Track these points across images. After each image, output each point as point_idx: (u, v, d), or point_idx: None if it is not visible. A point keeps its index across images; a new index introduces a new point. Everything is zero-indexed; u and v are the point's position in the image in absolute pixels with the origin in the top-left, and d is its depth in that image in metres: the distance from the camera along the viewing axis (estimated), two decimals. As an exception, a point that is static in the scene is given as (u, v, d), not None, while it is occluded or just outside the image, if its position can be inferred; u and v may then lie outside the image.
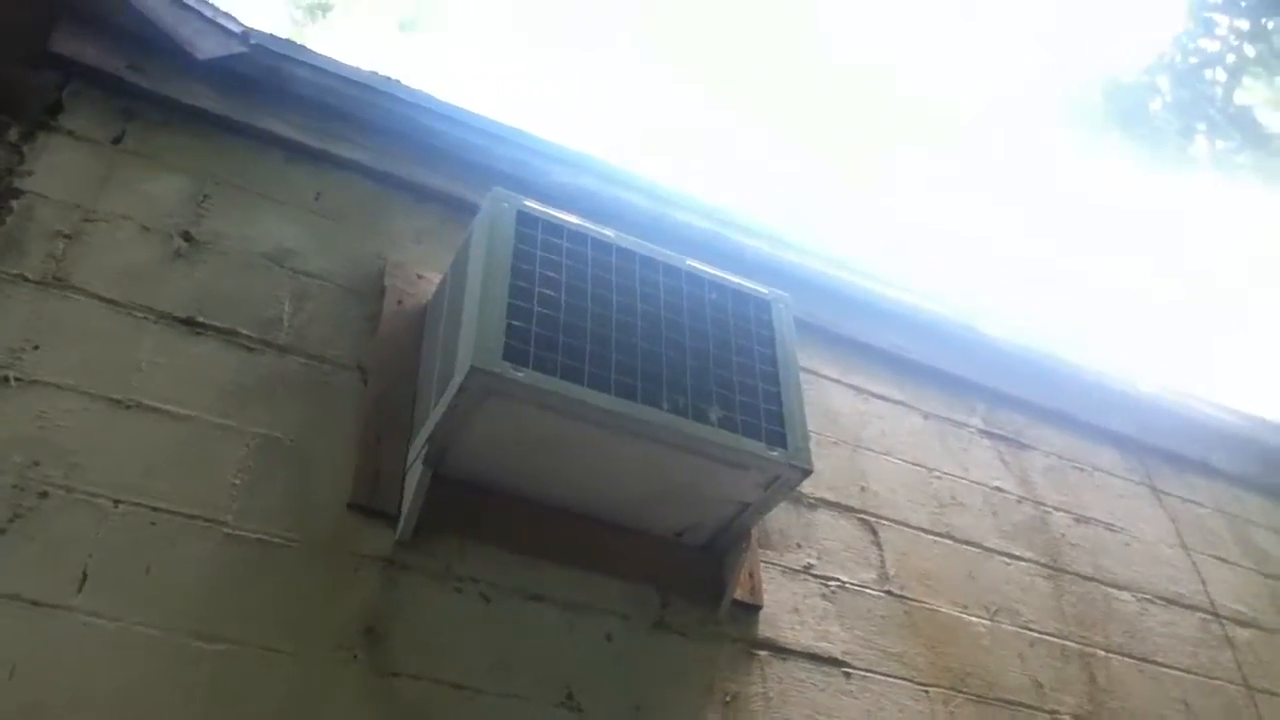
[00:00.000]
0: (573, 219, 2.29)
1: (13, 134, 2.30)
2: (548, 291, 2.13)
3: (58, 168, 2.30)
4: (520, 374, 2.00)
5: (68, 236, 2.21)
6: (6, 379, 1.97)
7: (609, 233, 2.31)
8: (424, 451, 2.10)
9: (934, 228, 3.16)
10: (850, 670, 2.41)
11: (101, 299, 2.16)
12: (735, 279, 2.41)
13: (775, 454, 2.18)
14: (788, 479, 2.21)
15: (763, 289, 2.43)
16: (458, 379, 2.01)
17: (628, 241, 2.32)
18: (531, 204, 2.26)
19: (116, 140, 2.42)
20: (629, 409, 2.07)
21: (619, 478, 2.22)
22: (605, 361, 2.10)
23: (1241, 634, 3.13)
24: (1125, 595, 2.99)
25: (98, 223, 2.26)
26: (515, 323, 2.05)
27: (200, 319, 2.23)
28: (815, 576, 2.54)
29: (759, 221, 3.14)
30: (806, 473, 2.20)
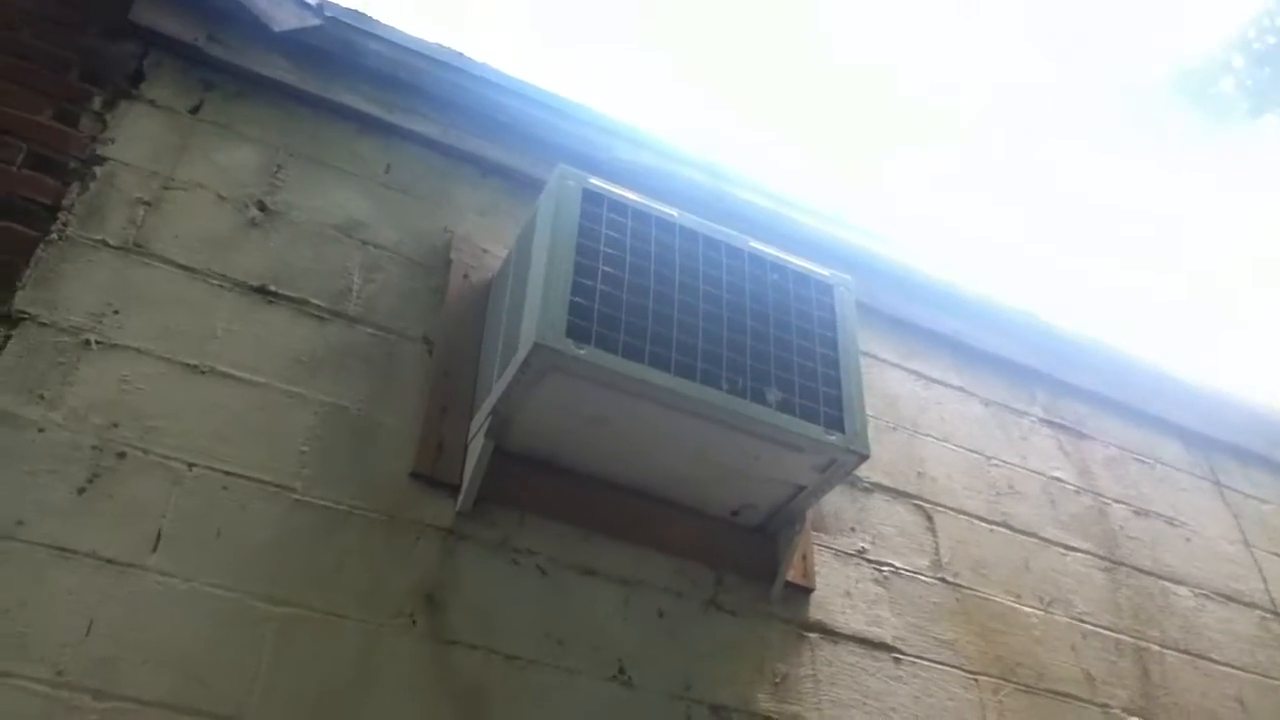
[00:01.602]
0: (637, 198, 2.30)
1: (96, 103, 2.36)
2: (611, 270, 2.15)
3: (138, 136, 2.36)
4: (583, 351, 2.02)
5: (147, 204, 2.27)
6: (88, 342, 2.03)
7: (673, 212, 2.32)
8: (486, 424, 2.14)
9: (934, 226, 3.14)
10: (900, 656, 2.42)
11: (179, 266, 2.22)
12: (797, 261, 2.41)
13: (832, 438, 2.19)
14: (844, 463, 2.22)
15: (825, 271, 2.43)
16: (521, 354, 2.04)
17: (691, 221, 2.33)
18: (597, 182, 2.28)
19: (195, 110, 2.47)
20: (688, 388, 2.08)
21: (676, 456, 2.24)
22: (666, 341, 2.11)
23: (1301, 634, 3.08)
24: (1183, 590, 2.96)
25: (176, 191, 2.32)
26: (579, 300, 2.08)
27: (273, 288, 2.28)
28: (869, 561, 2.55)
29: (821, 203, 3.13)
30: (863, 457, 2.20)
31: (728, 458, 2.23)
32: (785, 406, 2.17)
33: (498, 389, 2.13)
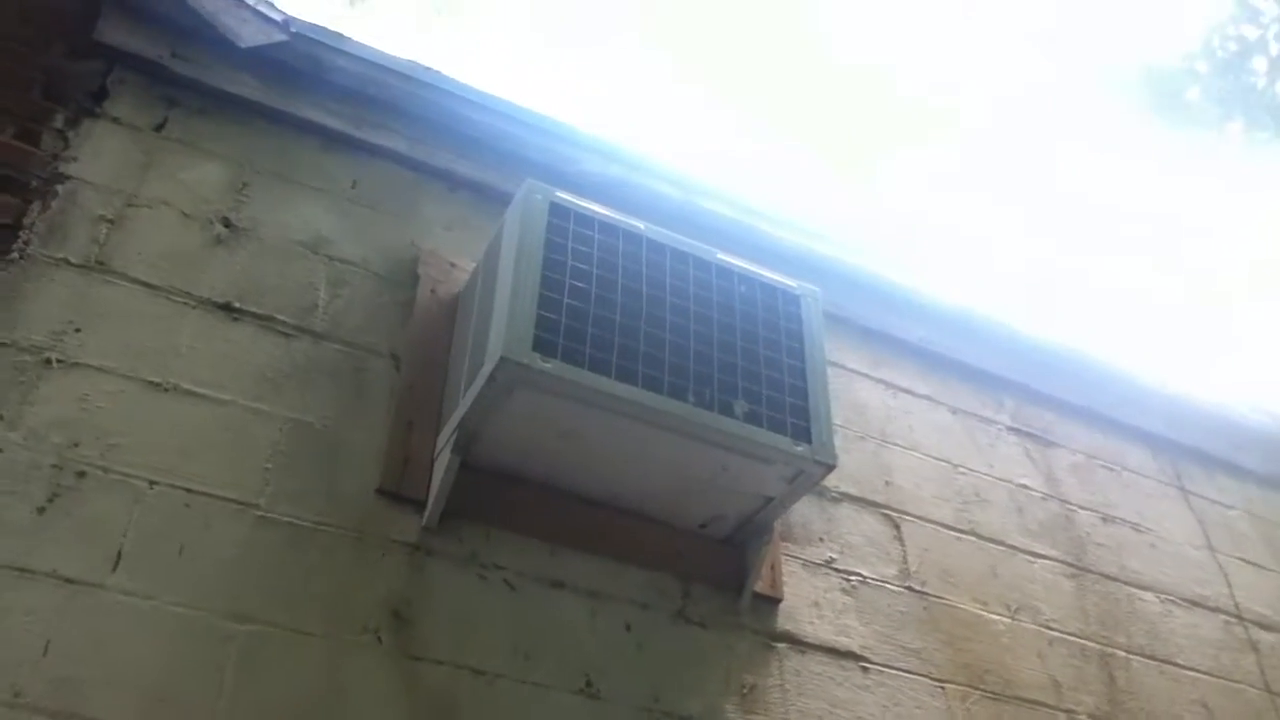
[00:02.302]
0: (604, 211, 2.31)
1: (59, 121, 2.35)
2: (578, 283, 2.16)
3: (102, 154, 2.35)
4: (549, 365, 2.03)
5: (110, 221, 2.26)
6: (49, 360, 2.02)
7: (640, 225, 2.33)
8: (453, 439, 2.14)
9: (935, 226, 3.17)
10: (868, 665, 2.44)
11: (142, 283, 2.21)
12: (765, 272, 2.42)
13: (800, 449, 2.20)
14: (811, 474, 2.23)
15: (792, 283, 2.44)
16: (487, 368, 2.04)
17: (658, 234, 2.34)
18: (564, 195, 2.29)
19: (159, 127, 2.46)
20: (655, 401, 2.09)
21: (644, 469, 2.25)
22: (633, 354, 2.12)
23: (1266, 637, 3.12)
24: (1149, 596, 2.99)
25: (140, 208, 2.31)
26: (545, 314, 2.08)
27: (238, 305, 2.27)
28: (836, 571, 2.56)
29: (789, 214, 3.15)
30: (830, 468, 2.22)
31: (696, 470, 2.23)
32: (753, 418, 2.18)
33: (464, 403, 2.14)
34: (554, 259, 2.17)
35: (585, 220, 2.27)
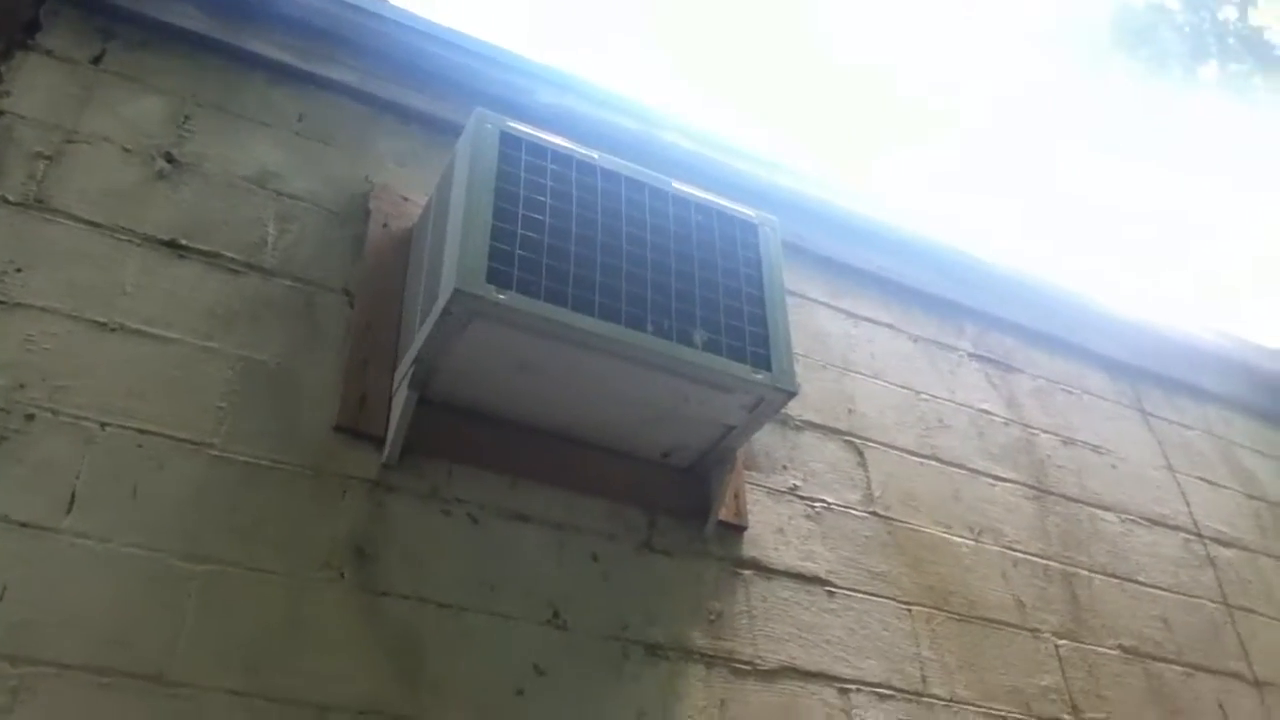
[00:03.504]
0: (557, 140, 2.27)
1: (-11, 54, 2.27)
2: (532, 214, 2.12)
3: (36, 88, 2.27)
4: (503, 297, 2.00)
5: (48, 158, 2.19)
6: (-10, 302, 1.96)
7: (594, 154, 2.29)
8: (409, 374, 2.11)
9: (935, 224, 3.17)
10: (834, 589, 2.45)
11: (84, 221, 2.14)
12: (722, 201, 2.39)
13: (759, 376, 2.18)
14: (772, 401, 2.22)
15: (750, 212, 2.42)
16: (441, 301, 2.00)
17: (613, 163, 2.30)
18: (515, 125, 2.24)
19: (96, 60, 2.38)
20: (612, 331, 2.07)
21: (605, 400, 2.23)
22: (589, 284, 2.09)
23: (1224, 554, 3.17)
24: (1109, 516, 3.03)
25: (79, 144, 2.24)
26: (499, 245, 2.04)
27: (184, 241, 2.22)
28: (800, 498, 2.56)
29: (749, 144, 3.11)
30: (790, 395, 2.21)
31: (656, 400, 2.22)
32: (712, 347, 2.17)
33: (419, 338, 2.10)
34: (506, 189, 2.13)
35: (538, 150, 2.23)
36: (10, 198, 2.10)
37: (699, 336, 2.16)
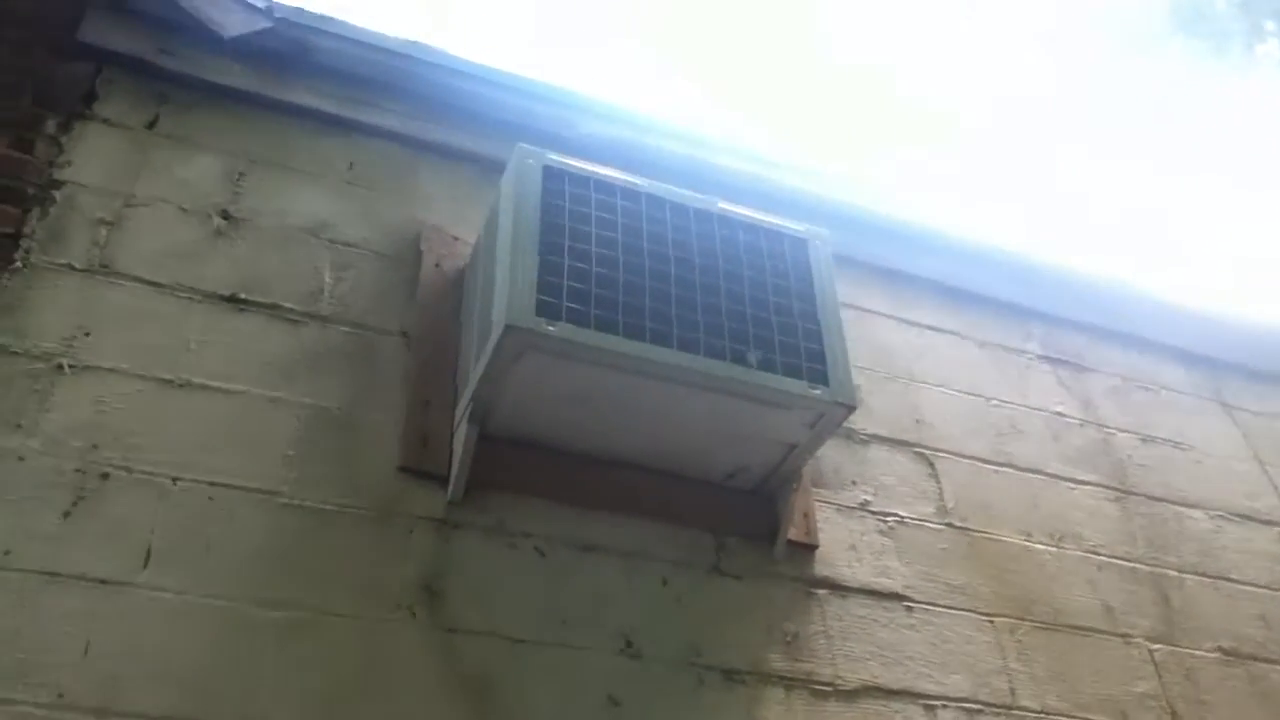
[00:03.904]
0: (599, 169, 2.28)
1: (50, 126, 2.34)
2: (578, 244, 2.13)
3: (95, 155, 2.34)
4: (554, 328, 2.00)
5: (109, 223, 2.25)
6: (61, 366, 2.02)
7: (637, 180, 2.30)
8: (468, 411, 2.12)
9: (993, 228, 3.14)
10: (912, 604, 2.40)
11: (147, 282, 2.20)
12: (769, 218, 2.38)
13: (817, 392, 2.16)
14: (832, 416, 2.19)
15: (798, 227, 2.40)
16: (494, 338, 2.02)
17: (657, 188, 2.30)
18: (557, 157, 2.25)
19: (151, 124, 2.45)
20: (664, 356, 2.06)
21: (664, 426, 2.22)
22: (639, 310, 2.09)
23: (1322, 546, 3.05)
24: (1197, 514, 2.93)
25: (137, 207, 2.30)
26: (547, 278, 2.05)
27: (243, 295, 2.26)
28: (872, 513, 2.52)
29: (798, 160, 3.10)
30: (850, 409, 2.18)
31: (715, 422, 2.20)
32: (767, 365, 2.15)
33: (475, 375, 2.12)
34: (552, 221, 2.14)
35: (581, 180, 2.24)
36: (76, 264, 2.16)
37: (753, 356, 2.15)
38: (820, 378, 2.18)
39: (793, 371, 2.16)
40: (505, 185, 2.24)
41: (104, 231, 2.24)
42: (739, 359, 2.13)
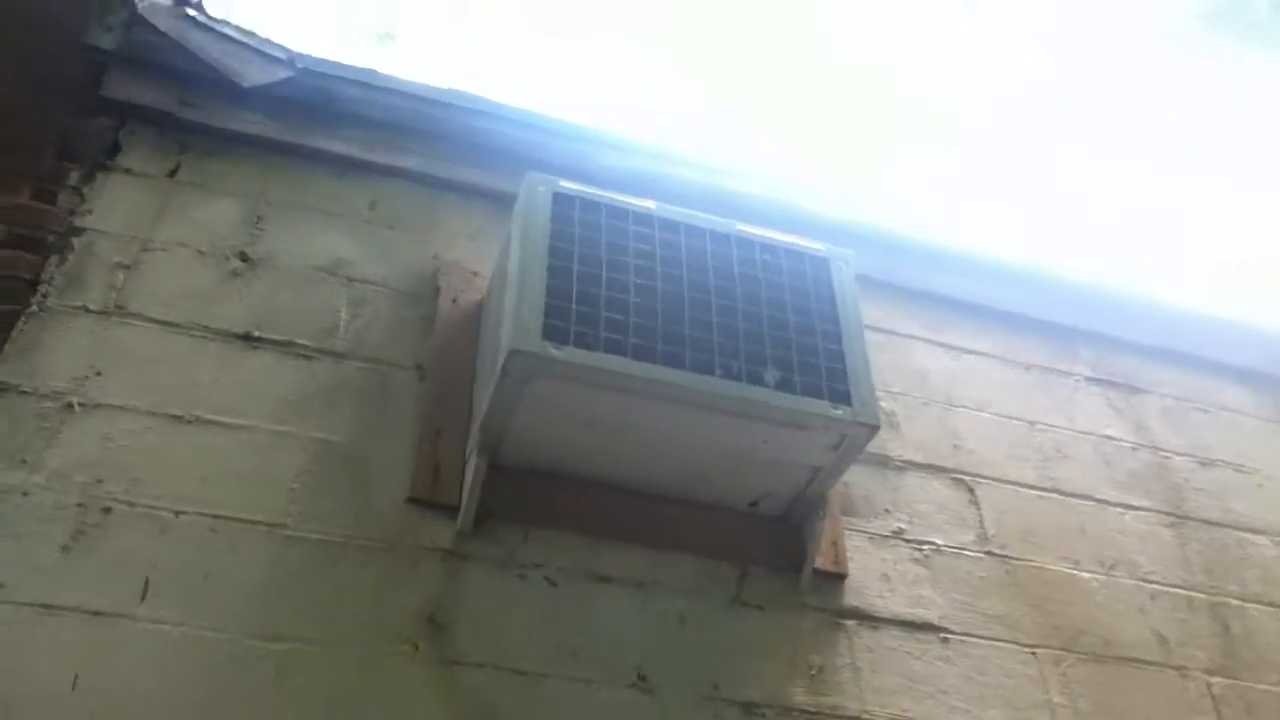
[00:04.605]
0: (610, 195, 2.25)
1: (73, 178, 2.38)
2: (588, 269, 2.10)
3: (116, 204, 2.37)
4: (560, 352, 1.96)
5: (126, 267, 2.28)
6: (70, 405, 2.03)
7: (650, 205, 2.27)
8: (478, 440, 2.09)
9: (1037, 248, 3.08)
10: (948, 635, 2.28)
11: (160, 322, 2.21)
12: (788, 239, 2.33)
13: (839, 412, 2.08)
14: (855, 437, 2.11)
15: (819, 246, 2.34)
16: (500, 363, 1.99)
17: (670, 212, 2.27)
18: (567, 184, 2.23)
19: (172, 173, 2.49)
20: (677, 378, 2.01)
21: (681, 451, 2.16)
22: (650, 333, 2.05)
23: (1401, 572, 2.84)
24: (1260, 540, 2.76)
25: (155, 252, 2.33)
26: (555, 302, 2.02)
27: (257, 333, 2.26)
28: (906, 541, 2.42)
29: (824, 183, 3.04)
30: (874, 429, 2.09)
31: (733, 446, 2.14)
32: (785, 385, 2.08)
33: (483, 403, 2.08)
34: (560, 246, 2.12)
35: (592, 206, 2.22)
36: (91, 307, 2.18)
37: (771, 376, 2.08)
38: (842, 397, 2.10)
39: (813, 391, 2.09)
40: (517, 214, 2.22)
41: (121, 275, 2.26)
42: (755, 379, 2.07)
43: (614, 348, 2.01)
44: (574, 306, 2.03)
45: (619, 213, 2.22)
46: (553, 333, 1.99)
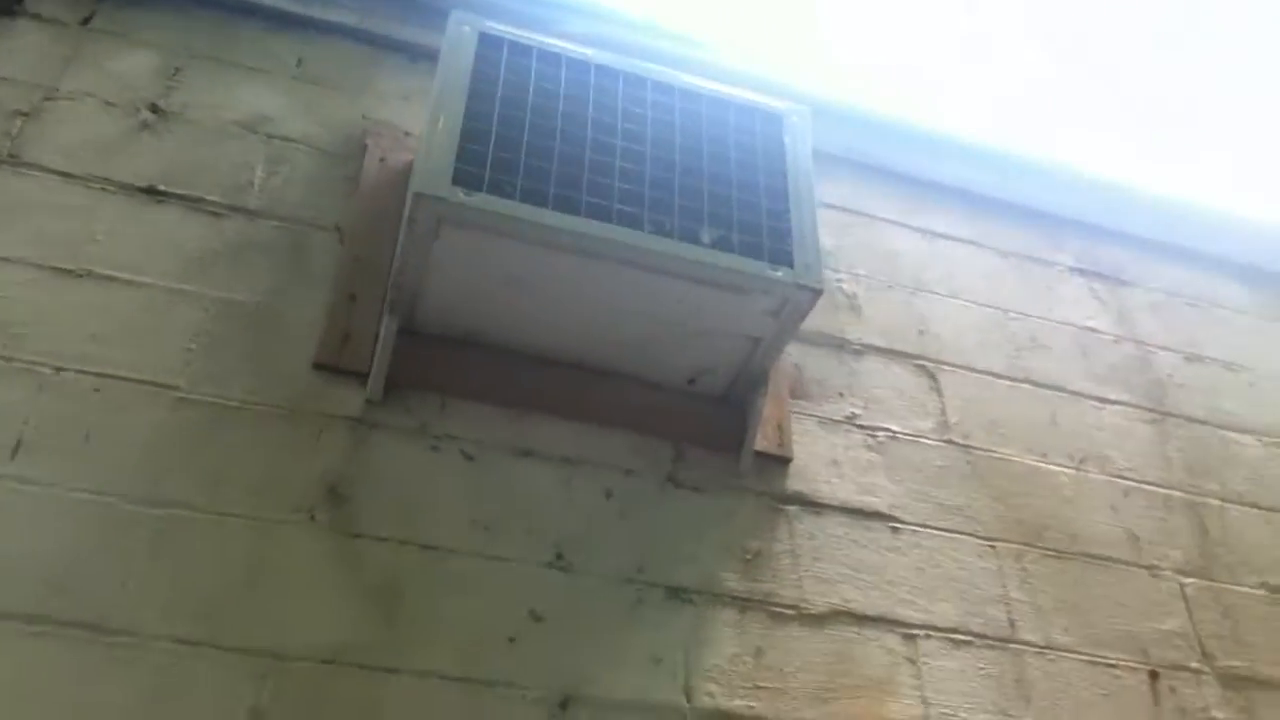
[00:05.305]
0: (544, 39, 2.07)
1: (-27, 21, 2.21)
2: (511, 112, 1.92)
3: (20, 51, 2.20)
4: (471, 199, 1.80)
5: (25, 114, 2.11)
6: (-51, 254, 1.88)
7: (587, 51, 2.08)
8: (389, 300, 1.93)
9: (1029, 135, 2.88)
10: (899, 525, 2.13)
11: (57, 173, 2.05)
12: (741, 94, 2.14)
13: (779, 274, 1.91)
14: (797, 302, 1.94)
15: (774, 102, 2.15)
16: (405, 211, 1.82)
17: (609, 59, 2.08)
18: (496, 25, 2.05)
19: (85, 21, 2.31)
20: (599, 230, 1.84)
21: (608, 316, 1.99)
22: (575, 183, 1.87)
23: (1401, 478, 2.67)
24: (1247, 439, 2.59)
25: (59, 101, 2.16)
26: (469, 145, 1.85)
27: (163, 187, 2.10)
28: (860, 427, 2.26)
29: (803, 62, 2.83)
30: (817, 293, 1.92)
31: (666, 311, 1.97)
32: (722, 244, 1.91)
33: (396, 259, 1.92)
34: (481, 89, 1.94)
35: (522, 49, 2.03)
36: (-19, 155, 2.02)
37: (707, 234, 1.91)
38: (784, 258, 1.93)
39: (752, 251, 1.92)
40: (440, 58, 2.04)
41: (19, 123, 2.10)
42: (689, 237, 1.90)
43: (532, 197, 1.83)
44: (491, 151, 1.86)
45: (551, 57, 2.04)
46: (464, 178, 1.81)
